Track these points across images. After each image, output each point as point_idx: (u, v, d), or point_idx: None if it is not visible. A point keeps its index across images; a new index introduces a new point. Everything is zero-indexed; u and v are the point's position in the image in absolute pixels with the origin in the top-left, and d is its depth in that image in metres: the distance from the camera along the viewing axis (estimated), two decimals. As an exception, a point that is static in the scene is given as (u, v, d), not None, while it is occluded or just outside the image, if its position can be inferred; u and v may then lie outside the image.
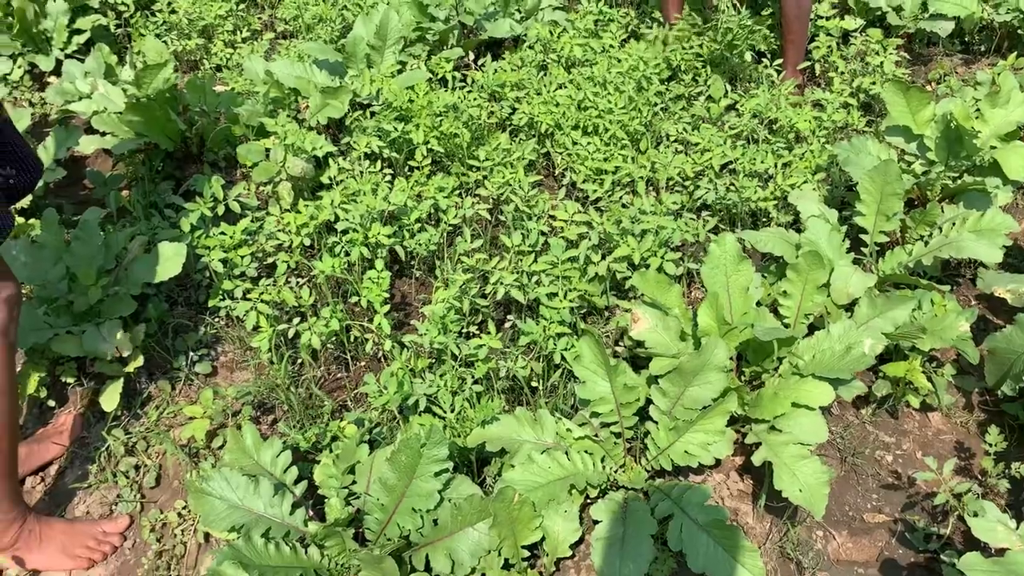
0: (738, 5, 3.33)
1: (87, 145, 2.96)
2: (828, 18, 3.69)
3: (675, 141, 3.14)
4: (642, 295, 2.29)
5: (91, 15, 3.75)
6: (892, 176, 2.45)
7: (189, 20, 3.82)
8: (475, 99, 3.13)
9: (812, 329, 2.29)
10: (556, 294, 2.35)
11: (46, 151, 2.95)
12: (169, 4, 3.93)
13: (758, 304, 2.29)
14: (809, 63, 3.51)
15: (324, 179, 2.84)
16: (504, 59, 3.54)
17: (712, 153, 2.91)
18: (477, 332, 2.43)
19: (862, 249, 2.55)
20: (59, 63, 3.63)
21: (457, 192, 2.88)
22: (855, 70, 3.45)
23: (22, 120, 3.01)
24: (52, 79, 3.69)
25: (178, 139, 3.07)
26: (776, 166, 2.89)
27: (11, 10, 3.60)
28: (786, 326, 2.27)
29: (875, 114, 3.44)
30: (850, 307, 2.36)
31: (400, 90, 3.01)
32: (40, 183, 2.43)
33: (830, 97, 3.16)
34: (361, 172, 2.82)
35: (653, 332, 2.15)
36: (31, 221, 2.70)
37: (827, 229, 2.42)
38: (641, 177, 2.84)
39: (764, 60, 3.45)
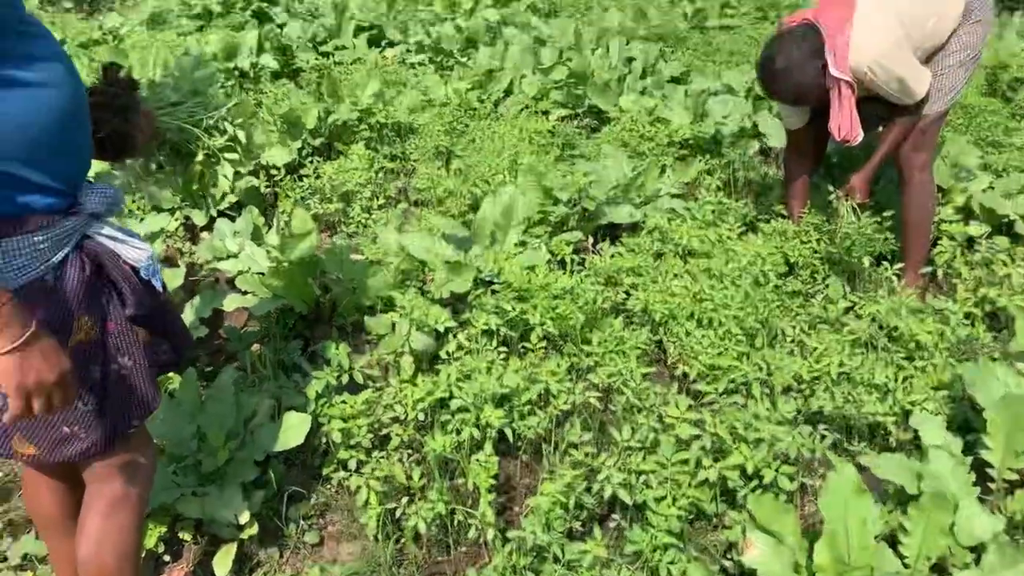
0: (858, 209, 3.36)
1: (231, 304, 3.20)
2: (952, 222, 3.67)
3: (791, 341, 3.13)
4: (756, 517, 2.24)
5: (245, 177, 4.12)
6: (1022, 410, 2.36)
7: (332, 186, 4.15)
8: (592, 283, 3.23)
9: (934, 570, 2.17)
10: (664, 497, 2.33)
11: (193, 308, 3.19)
12: (315, 170, 4.29)
13: (876, 537, 2.20)
14: (931, 268, 3.48)
15: (443, 353, 2.95)
16: (621, 243, 3.66)
17: (830, 360, 2.87)
18: (581, 528, 2.42)
19: (988, 484, 2.43)
20: (212, 219, 3.98)
21: (568, 376, 2.94)
22: (980, 277, 3.39)
23: (176, 279, 3.29)
24: (204, 234, 4.03)
25: (312, 303, 3.27)
26: (896, 379, 2.83)
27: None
28: (906, 566, 2.16)
29: (1002, 325, 3.35)
30: (976, 547, 2.24)
31: (520, 271, 3.15)
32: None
33: (954, 308, 3.10)
34: (478, 350, 2.92)
35: (765, 562, 2.09)
36: (169, 375, 2.90)
37: (951, 463, 2.33)
38: (756, 379, 2.82)
39: (884, 263, 3.44)
